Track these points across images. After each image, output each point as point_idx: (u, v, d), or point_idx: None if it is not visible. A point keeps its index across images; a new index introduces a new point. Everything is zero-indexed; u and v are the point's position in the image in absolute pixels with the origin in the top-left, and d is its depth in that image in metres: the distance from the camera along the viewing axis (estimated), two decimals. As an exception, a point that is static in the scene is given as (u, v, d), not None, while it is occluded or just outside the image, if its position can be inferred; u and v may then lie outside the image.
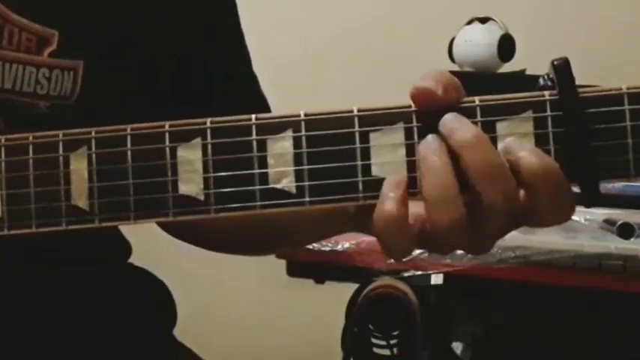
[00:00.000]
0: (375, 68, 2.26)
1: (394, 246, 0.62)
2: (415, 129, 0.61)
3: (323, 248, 1.59)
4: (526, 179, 0.59)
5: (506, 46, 1.95)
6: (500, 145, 0.60)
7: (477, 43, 1.96)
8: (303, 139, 0.61)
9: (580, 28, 2.14)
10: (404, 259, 0.64)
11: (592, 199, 0.59)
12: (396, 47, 2.24)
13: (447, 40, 2.00)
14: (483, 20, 1.99)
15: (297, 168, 0.61)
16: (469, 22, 2.00)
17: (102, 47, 0.84)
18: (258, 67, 0.98)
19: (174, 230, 0.96)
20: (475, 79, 1.85)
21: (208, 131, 0.63)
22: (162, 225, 0.93)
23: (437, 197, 0.59)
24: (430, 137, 0.60)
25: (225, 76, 0.94)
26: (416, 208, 0.61)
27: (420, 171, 0.60)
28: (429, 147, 0.60)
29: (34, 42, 0.80)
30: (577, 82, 0.59)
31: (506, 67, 1.98)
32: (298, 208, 0.62)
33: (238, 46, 0.96)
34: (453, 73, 0.62)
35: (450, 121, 0.60)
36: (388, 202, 0.60)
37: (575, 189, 0.60)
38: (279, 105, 0.94)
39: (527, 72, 1.94)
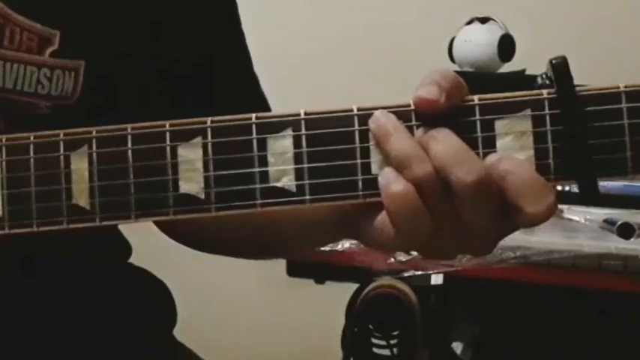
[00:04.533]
0: (375, 68, 2.26)
1: (412, 222, 0.61)
2: (415, 127, 0.61)
3: (323, 248, 1.59)
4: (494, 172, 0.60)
5: (506, 46, 1.96)
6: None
7: (477, 43, 1.96)
8: (303, 137, 0.62)
9: (579, 28, 2.15)
10: (422, 246, 0.64)
11: (590, 196, 0.59)
12: (396, 47, 2.25)
13: (447, 40, 2.00)
14: (483, 20, 2.00)
15: (298, 166, 0.62)
16: (469, 22, 2.00)
17: (103, 47, 0.84)
18: (258, 67, 0.98)
19: (174, 233, 0.96)
20: (475, 79, 1.85)
21: (209, 130, 0.63)
22: (163, 228, 0.93)
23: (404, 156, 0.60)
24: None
25: (225, 76, 0.94)
26: None
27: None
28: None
29: (35, 42, 0.80)
30: (576, 82, 0.60)
31: (506, 67, 1.99)
32: (298, 207, 0.62)
33: (239, 46, 0.96)
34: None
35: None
36: (395, 182, 0.60)
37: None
38: (280, 104, 0.94)
39: (527, 72, 1.94)
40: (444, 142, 0.60)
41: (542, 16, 2.17)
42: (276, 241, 0.91)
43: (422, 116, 0.61)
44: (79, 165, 0.64)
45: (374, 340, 1.69)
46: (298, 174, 0.62)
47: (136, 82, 0.88)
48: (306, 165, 0.61)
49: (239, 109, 0.67)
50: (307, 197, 0.62)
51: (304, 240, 0.89)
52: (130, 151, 0.64)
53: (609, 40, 2.13)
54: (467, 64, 1.97)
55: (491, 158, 0.60)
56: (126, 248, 1.02)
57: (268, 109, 0.96)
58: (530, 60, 1.87)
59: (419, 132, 0.61)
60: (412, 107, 0.61)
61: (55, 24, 0.81)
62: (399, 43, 2.25)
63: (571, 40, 2.08)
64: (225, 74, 0.93)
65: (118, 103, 0.86)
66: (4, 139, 0.66)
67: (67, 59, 0.82)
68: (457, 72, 0.62)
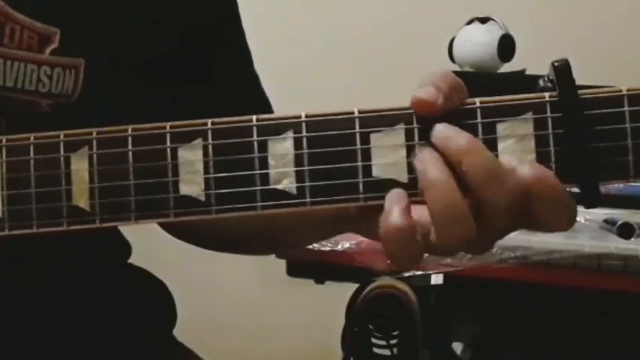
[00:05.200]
0: (375, 68, 2.26)
1: (403, 257, 0.61)
2: (416, 130, 0.61)
3: (323, 248, 1.59)
4: (522, 187, 0.59)
5: (506, 46, 1.96)
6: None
7: (477, 43, 1.96)
8: (304, 140, 0.61)
9: (580, 28, 2.15)
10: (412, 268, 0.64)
11: (592, 200, 0.59)
12: (396, 47, 2.25)
13: (447, 40, 2.00)
14: (483, 20, 2.00)
15: (298, 169, 0.61)
16: (469, 22, 2.00)
17: (103, 45, 0.84)
18: (259, 67, 0.98)
19: (174, 230, 0.96)
20: (475, 79, 1.85)
21: (209, 132, 0.63)
22: (162, 225, 0.93)
23: (447, 216, 0.59)
24: (426, 151, 0.60)
25: (226, 75, 0.94)
26: (418, 212, 0.61)
27: (423, 186, 0.60)
28: (428, 162, 0.60)
29: (35, 40, 0.80)
30: (577, 83, 0.60)
31: (506, 67, 1.98)
32: (299, 209, 0.62)
33: (240, 46, 0.96)
34: (453, 73, 0.62)
35: (443, 131, 0.60)
36: (393, 215, 0.60)
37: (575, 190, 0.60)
38: (281, 106, 0.94)
39: (527, 72, 1.94)
40: (479, 161, 0.59)
41: (542, 16, 2.17)
42: (278, 238, 0.91)
43: (423, 119, 0.60)
44: (79, 166, 0.64)
45: (374, 340, 1.69)
46: (299, 176, 0.62)
47: (136, 80, 0.88)
48: (306, 167, 0.61)
49: (240, 108, 0.67)
50: (308, 200, 0.62)
51: (308, 236, 0.89)
52: (130, 153, 0.64)
53: (609, 40, 2.13)
54: (467, 64, 1.97)
55: (513, 162, 0.59)
56: (126, 248, 1.02)
57: (269, 108, 0.96)
58: (530, 60, 1.87)
59: (443, 140, 0.60)
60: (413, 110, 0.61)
61: (55, 22, 0.81)
62: (399, 43, 2.25)
63: (571, 40, 2.08)
64: (225, 73, 0.93)
65: (119, 101, 0.86)
66: (4, 140, 0.66)
67: (67, 57, 0.82)
68: (457, 72, 0.62)
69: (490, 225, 0.60)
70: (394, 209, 0.60)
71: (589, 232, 1.63)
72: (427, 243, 0.61)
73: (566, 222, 0.60)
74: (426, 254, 0.65)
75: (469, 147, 0.59)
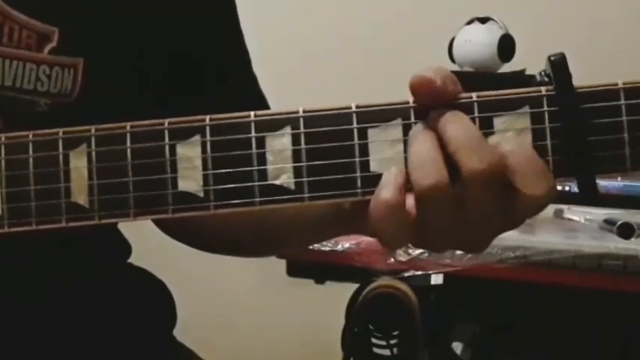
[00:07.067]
0: (375, 68, 2.26)
1: (388, 233, 0.61)
2: (413, 125, 0.61)
3: (323, 248, 1.59)
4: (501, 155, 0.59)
5: (506, 46, 1.96)
6: None
7: (477, 43, 1.96)
8: (302, 135, 0.62)
9: (580, 28, 2.15)
10: (399, 250, 0.64)
11: (589, 194, 0.59)
12: (396, 47, 2.25)
13: (447, 40, 2.01)
14: (483, 20, 2.00)
15: (296, 164, 0.62)
16: (469, 22, 2.00)
17: (102, 44, 0.84)
18: (257, 66, 0.98)
19: (172, 231, 0.96)
20: (475, 79, 1.86)
21: (207, 128, 0.63)
22: (161, 227, 0.93)
23: (430, 191, 0.59)
24: (418, 127, 0.61)
25: (224, 75, 0.94)
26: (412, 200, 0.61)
27: (409, 161, 0.60)
28: (418, 137, 0.61)
29: (34, 39, 0.80)
30: (577, 83, 0.60)
31: (507, 67, 1.99)
32: (297, 204, 0.62)
33: (238, 46, 0.97)
34: (452, 73, 0.62)
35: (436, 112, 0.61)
36: (385, 188, 0.60)
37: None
38: (279, 105, 0.94)
39: (527, 72, 1.94)
40: (460, 127, 0.59)
41: (542, 16, 2.17)
42: (274, 239, 0.91)
43: (420, 114, 0.61)
44: (78, 163, 0.65)
45: (374, 340, 1.69)
46: (297, 172, 0.62)
47: (134, 79, 0.88)
48: (304, 163, 0.62)
49: (238, 109, 0.67)
50: (306, 195, 0.62)
51: (304, 237, 0.89)
52: (128, 150, 0.64)
53: (609, 40, 2.13)
54: (467, 64, 1.97)
55: (494, 139, 0.60)
56: (126, 248, 1.02)
57: (267, 109, 0.96)
58: (530, 60, 1.86)
59: (434, 114, 0.60)
60: (410, 104, 0.61)
61: (54, 21, 0.81)
62: (399, 43, 2.25)
63: (571, 40, 2.08)
64: (223, 74, 0.94)
65: (117, 100, 0.86)
66: (3, 138, 0.66)
67: (65, 56, 0.82)
68: (457, 72, 0.62)
69: (475, 205, 0.60)
70: (388, 183, 0.60)
71: (589, 232, 1.63)
72: (417, 230, 0.61)
73: (545, 194, 0.59)
74: (420, 248, 0.65)
75: (451, 117, 0.60)
